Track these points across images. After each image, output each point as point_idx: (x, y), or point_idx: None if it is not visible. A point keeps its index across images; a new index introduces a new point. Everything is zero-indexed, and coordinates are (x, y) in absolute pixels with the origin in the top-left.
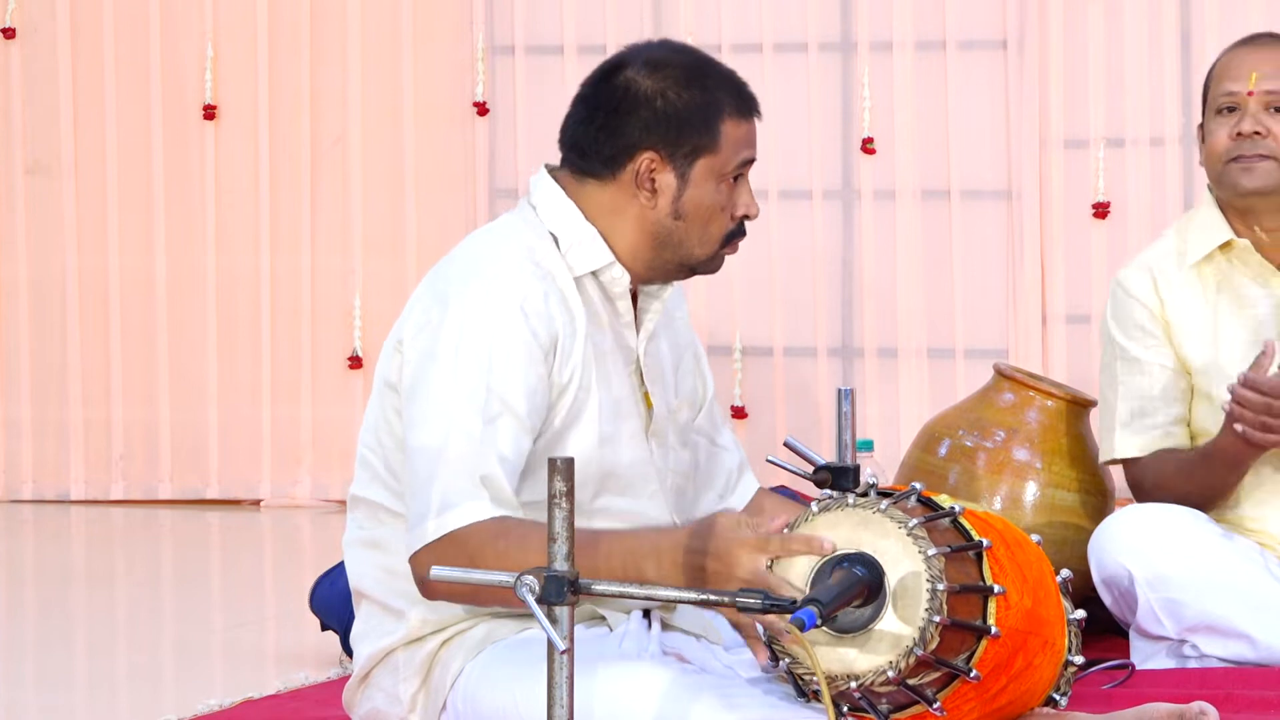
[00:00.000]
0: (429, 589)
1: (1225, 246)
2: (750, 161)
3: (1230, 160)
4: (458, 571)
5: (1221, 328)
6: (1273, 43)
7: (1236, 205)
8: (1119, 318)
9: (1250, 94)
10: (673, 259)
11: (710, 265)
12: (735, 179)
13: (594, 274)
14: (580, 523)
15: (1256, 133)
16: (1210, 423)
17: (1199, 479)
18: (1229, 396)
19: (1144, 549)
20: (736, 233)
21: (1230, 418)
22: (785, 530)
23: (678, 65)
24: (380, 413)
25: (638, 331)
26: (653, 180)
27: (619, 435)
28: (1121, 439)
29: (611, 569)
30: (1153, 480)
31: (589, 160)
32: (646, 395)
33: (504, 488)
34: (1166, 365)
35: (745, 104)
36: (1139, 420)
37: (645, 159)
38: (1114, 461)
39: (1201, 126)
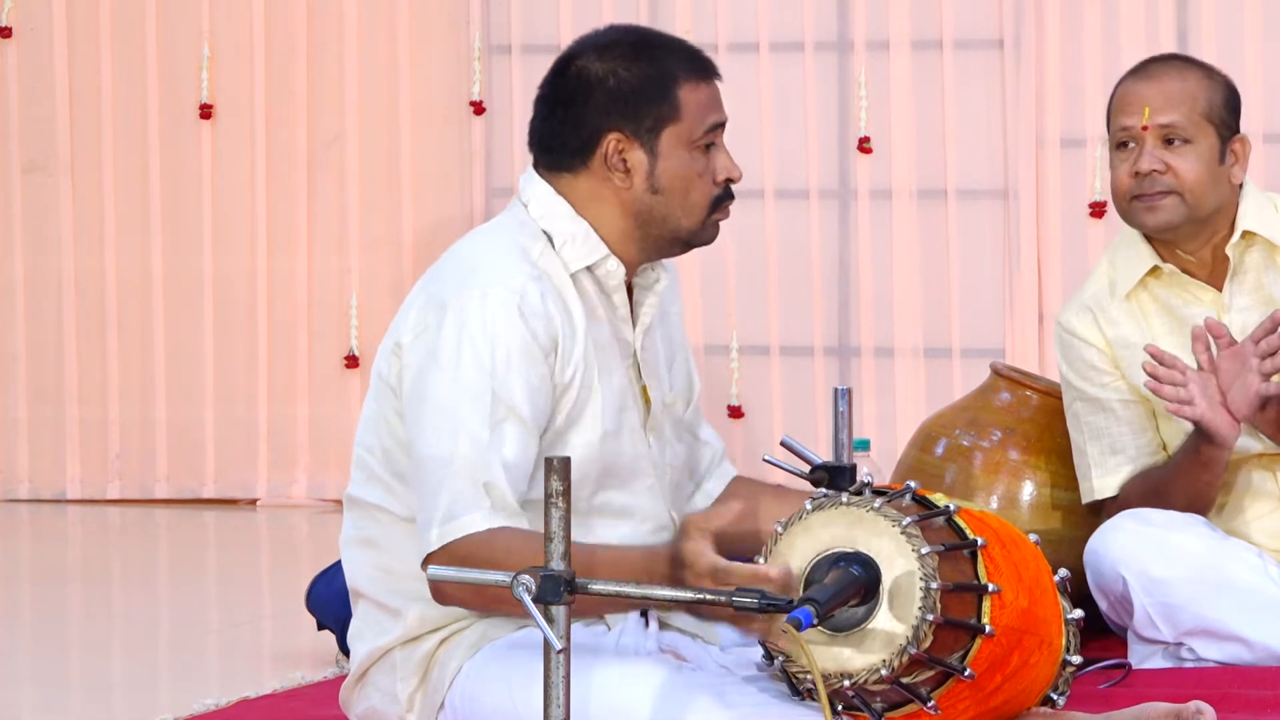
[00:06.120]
0: (438, 592)
1: (1153, 272)
2: (719, 125)
3: (1133, 198)
4: (454, 571)
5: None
6: (1167, 70)
7: (1151, 236)
8: (1070, 360)
9: (1145, 128)
10: (662, 234)
11: (703, 235)
12: (709, 146)
13: (589, 268)
14: (578, 520)
15: (1155, 170)
16: (1179, 440)
17: (1180, 486)
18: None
19: (1138, 555)
20: (723, 197)
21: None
22: (778, 527)
23: (624, 43)
24: (378, 411)
25: (634, 325)
26: (623, 160)
27: (620, 429)
28: (1099, 480)
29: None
30: (1137, 504)
31: (558, 155)
32: (644, 389)
33: (506, 495)
34: (1126, 398)
35: (700, 67)
36: (1111, 458)
37: (611, 140)
38: (1096, 503)
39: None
